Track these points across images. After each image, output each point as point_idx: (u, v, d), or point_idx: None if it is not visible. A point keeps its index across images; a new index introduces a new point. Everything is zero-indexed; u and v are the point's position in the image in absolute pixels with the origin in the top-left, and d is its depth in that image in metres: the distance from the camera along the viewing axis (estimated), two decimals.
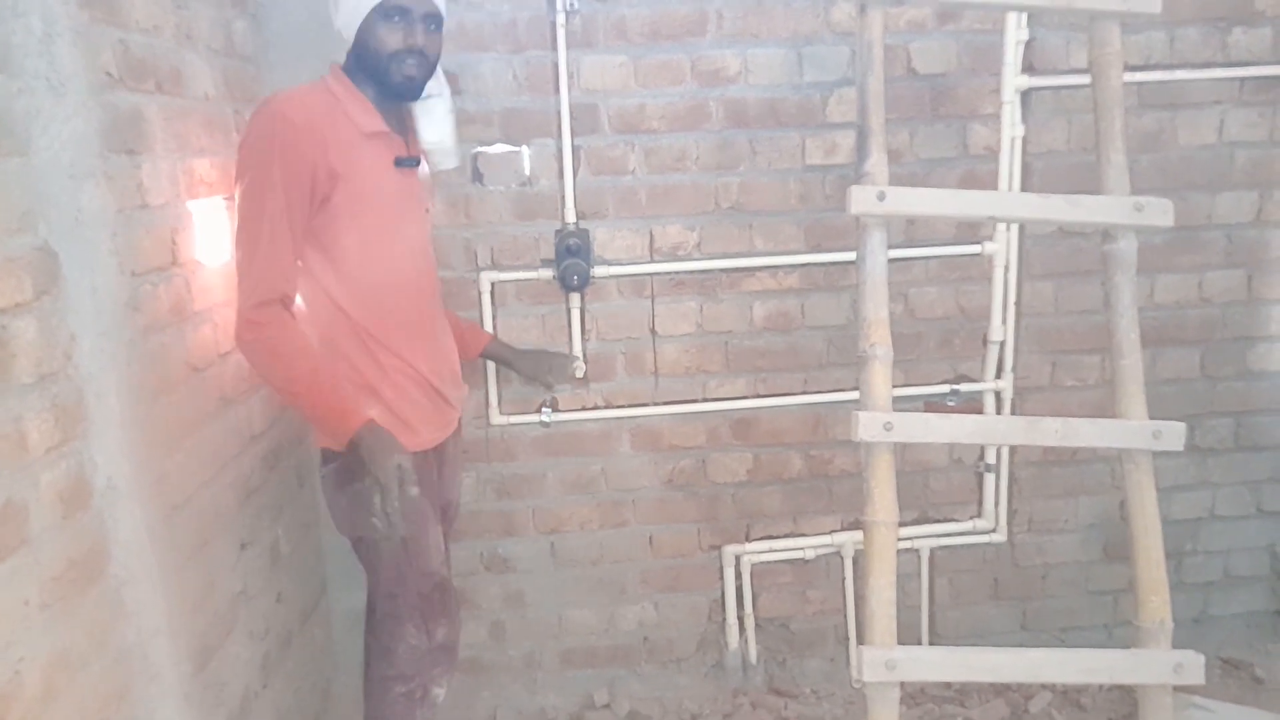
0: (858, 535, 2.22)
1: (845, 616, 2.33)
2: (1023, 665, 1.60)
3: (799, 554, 2.27)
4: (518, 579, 2.25)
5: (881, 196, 1.53)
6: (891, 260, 1.59)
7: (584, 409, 2.18)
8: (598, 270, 2.09)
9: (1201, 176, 2.19)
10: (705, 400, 2.20)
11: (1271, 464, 2.34)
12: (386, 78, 1.49)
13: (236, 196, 1.43)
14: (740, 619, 2.30)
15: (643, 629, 2.30)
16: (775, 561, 2.28)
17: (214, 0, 1.68)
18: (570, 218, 2.08)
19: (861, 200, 1.54)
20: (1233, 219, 2.22)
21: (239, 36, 1.81)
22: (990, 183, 2.14)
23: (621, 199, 2.09)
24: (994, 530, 2.30)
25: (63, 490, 1.11)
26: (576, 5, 1.98)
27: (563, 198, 2.07)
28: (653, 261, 2.13)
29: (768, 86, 2.07)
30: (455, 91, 1.98)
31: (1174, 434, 1.57)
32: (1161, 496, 1.62)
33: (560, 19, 1.98)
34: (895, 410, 1.55)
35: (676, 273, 2.14)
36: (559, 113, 2.02)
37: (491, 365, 2.10)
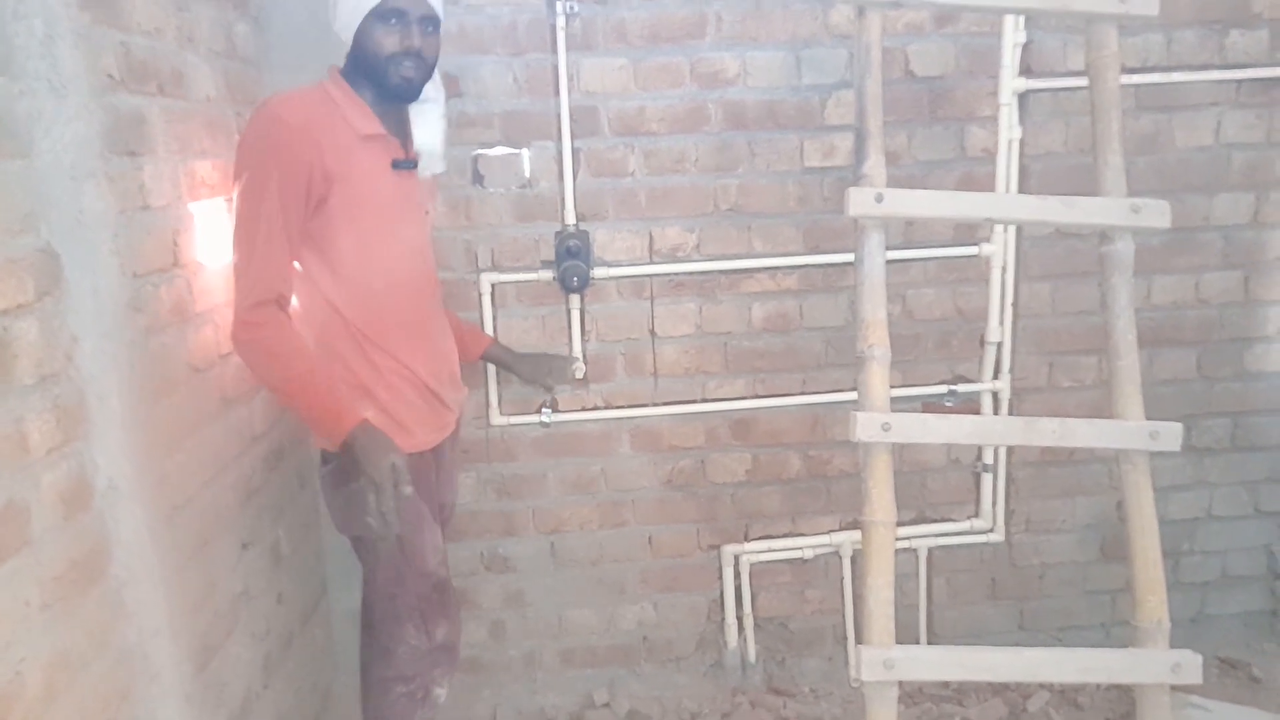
0: (856, 535, 2.23)
1: (843, 616, 2.33)
2: (1020, 665, 1.61)
3: (798, 554, 2.28)
4: (518, 579, 2.26)
5: (879, 198, 1.54)
6: (889, 262, 1.60)
7: (584, 409, 2.18)
8: (597, 272, 2.10)
9: (1198, 178, 2.20)
10: (704, 401, 2.21)
11: (1268, 464, 2.35)
12: (384, 80, 1.49)
13: (233, 198, 1.44)
14: (739, 618, 2.31)
15: (642, 628, 2.31)
16: (774, 561, 2.29)
17: (216, 2, 1.69)
18: (570, 219, 2.08)
19: (860, 202, 1.54)
20: (1229, 220, 2.22)
21: (240, 39, 1.81)
22: (988, 184, 2.15)
23: (621, 201, 2.10)
24: (991, 530, 2.31)
25: (64, 491, 1.11)
26: (576, 8, 1.99)
27: (563, 199, 2.07)
28: (652, 263, 2.13)
29: (766, 89, 2.08)
30: (455, 94, 2.00)
31: (1171, 434, 1.58)
32: (1159, 496, 1.63)
33: (560, 22, 1.99)
34: (893, 411, 1.55)
35: (676, 274, 2.14)
36: (559, 115, 2.03)
37: (492, 366, 2.11)
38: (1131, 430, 1.58)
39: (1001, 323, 2.21)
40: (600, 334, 2.16)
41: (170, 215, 1.44)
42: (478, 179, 2.06)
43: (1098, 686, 2.20)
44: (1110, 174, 1.60)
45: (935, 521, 2.32)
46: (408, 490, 1.42)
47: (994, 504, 2.30)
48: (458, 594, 2.20)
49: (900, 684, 1.55)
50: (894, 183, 1.60)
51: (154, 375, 1.34)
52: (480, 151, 2.05)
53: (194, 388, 1.49)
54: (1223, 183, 2.20)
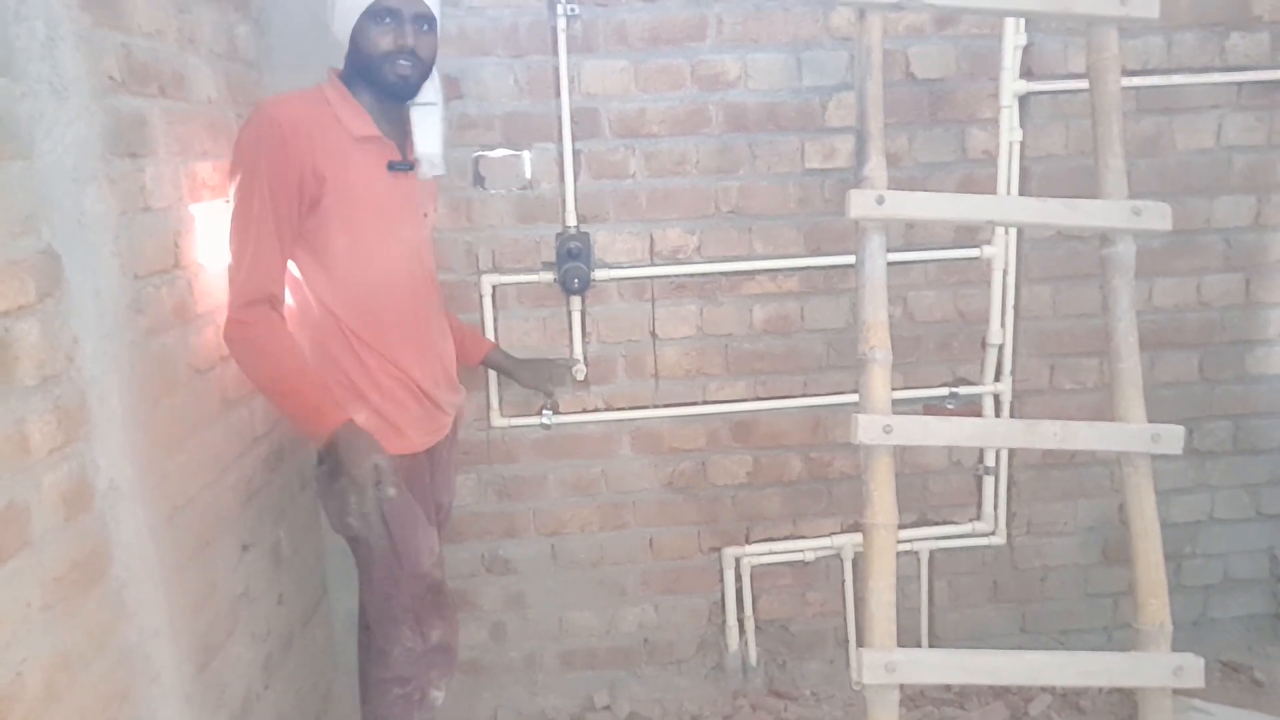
0: (857, 538, 2.23)
1: (845, 619, 2.33)
2: (1022, 668, 1.60)
3: (799, 556, 2.28)
4: (518, 580, 2.25)
5: (880, 200, 1.54)
6: (890, 264, 1.59)
7: (585, 411, 2.18)
8: (598, 273, 2.10)
9: (1199, 180, 2.20)
10: (705, 403, 2.21)
11: (1270, 467, 2.35)
12: (380, 78, 1.50)
13: (229, 198, 1.44)
14: (740, 621, 2.30)
15: (643, 631, 2.30)
16: (775, 564, 2.29)
17: (217, 4, 1.69)
18: (571, 221, 2.08)
19: (860, 204, 1.54)
20: (1230, 223, 2.22)
21: (241, 41, 1.82)
22: (989, 187, 2.15)
23: (622, 202, 2.10)
24: (993, 533, 2.31)
25: (65, 492, 1.11)
26: (577, 10, 1.99)
27: (563, 201, 2.07)
28: (653, 265, 2.13)
29: (767, 91, 2.08)
30: (456, 96, 2.00)
31: (1173, 437, 1.58)
32: (1160, 499, 1.63)
33: (561, 24, 1.99)
34: (894, 413, 1.55)
35: (677, 276, 2.14)
36: (560, 117, 2.03)
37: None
38: (1133, 433, 1.58)
39: (1003, 325, 2.21)
40: (601, 336, 2.16)
41: (171, 217, 1.44)
42: (479, 181, 2.06)
43: (1099, 690, 2.20)
44: (1111, 176, 1.60)
45: (937, 524, 2.31)
46: (390, 491, 1.42)
47: (995, 506, 2.29)
48: (457, 595, 2.21)
49: (902, 687, 1.55)
50: (895, 185, 1.60)
51: (155, 376, 1.34)
52: (481, 153, 2.05)
53: (195, 389, 1.49)
54: (1224, 185, 2.20)
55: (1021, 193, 2.15)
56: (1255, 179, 2.21)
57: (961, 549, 2.32)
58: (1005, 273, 2.19)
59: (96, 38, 1.23)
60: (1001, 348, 2.23)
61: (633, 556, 2.26)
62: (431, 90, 1.59)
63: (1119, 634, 2.37)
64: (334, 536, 1.70)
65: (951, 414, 2.22)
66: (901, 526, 1.62)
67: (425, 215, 1.67)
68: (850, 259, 2.10)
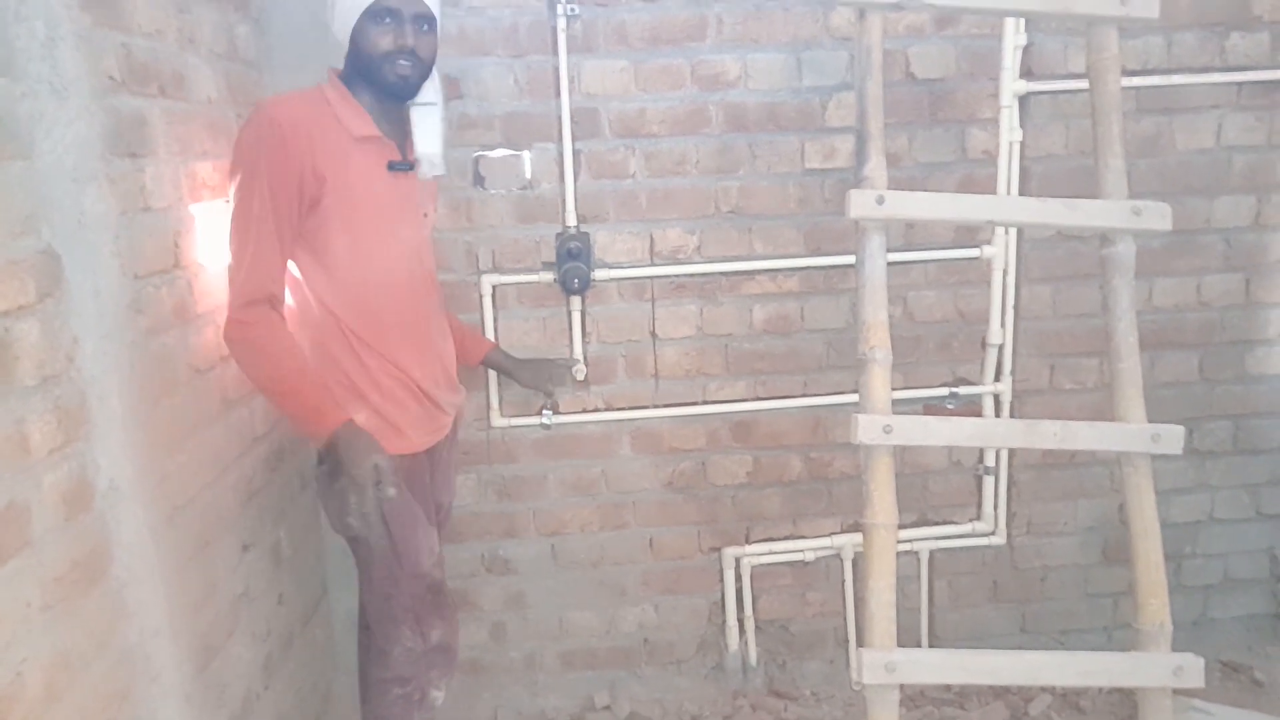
0: (857, 538, 2.23)
1: (845, 619, 2.33)
2: (1022, 668, 1.60)
3: (799, 556, 2.28)
4: (518, 580, 2.25)
5: (880, 200, 1.54)
6: (890, 264, 1.59)
7: (585, 411, 2.18)
8: (598, 273, 2.10)
9: (1199, 180, 2.20)
10: (705, 403, 2.21)
11: (1270, 467, 2.35)
12: (380, 78, 1.50)
13: (229, 198, 1.44)
14: (740, 621, 2.30)
15: (643, 631, 2.30)
16: (775, 564, 2.29)
17: (217, 4, 1.69)
18: (571, 221, 2.08)
19: (860, 204, 1.54)
20: (1231, 223, 2.22)
21: (242, 41, 1.82)
22: (989, 187, 2.15)
23: (622, 202, 2.10)
24: (993, 533, 2.31)
25: (65, 492, 1.11)
26: (577, 10, 1.99)
27: (563, 201, 2.08)
28: (653, 265, 2.13)
29: (767, 91, 2.08)
30: (456, 96, 2.00)
31: (1173, 437, 1.58)
32: (1160, 499, 1.63)
33: (561, 24, 1.99)
34: (894, 413, 1.55)
35: (677, 276, 2.14)
36: (560, 117, 2.03)
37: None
38: (1133, 433, 1.58)
39: (1003, 325, 2.21)
40: (601, 336, 2.16)
41: (171, 217, 1.44)
42: (479, 181, 2.07)
43: (1099, 690, 2.20)
44: (1111, 176, 1.61)
45: (937, 524, 2.31)
46: (390, 492, 1.42)
47: (995, 506, 2.29)
48: (457, 595, 2.21)
49: (902, 687, 1.55)
50: (895, 185, 1.60)
51: (155, 376, 1.34)
52: (481, 153, 2.05)
53: (195, 389, 1.49)
54: (1224, 185, 2.20)
55: (1021, 193, 2.15)
56: (1255, 179, 2.21)
57: (961, 549, 2.32)
58: (1005, 273, 2.19)
59: (96, 38, 1.23)
60: (1001, 348, 2.23)
61: (633, 556, 2.26)
62: (432, 90, 1.59)
63: (1119, 634, 2.37)
64: (334, 536, 1.70)
65: (951, 414, 2.22)
66: (901, 526, 1.62)
67: (425, 215, 1.67)
68: (850, 259, 2.10)
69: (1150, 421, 1.59)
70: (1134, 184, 1.63)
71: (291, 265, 1.51)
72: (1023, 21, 2.06)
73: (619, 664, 2.31)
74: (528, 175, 2.07)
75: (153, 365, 1.34)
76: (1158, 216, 1.59)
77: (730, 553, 2.26)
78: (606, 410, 2.19)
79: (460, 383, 1.78)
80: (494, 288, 2.10)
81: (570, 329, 2.14)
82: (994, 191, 2.14)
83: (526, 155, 2.06)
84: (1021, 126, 2.12)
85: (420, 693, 1.64)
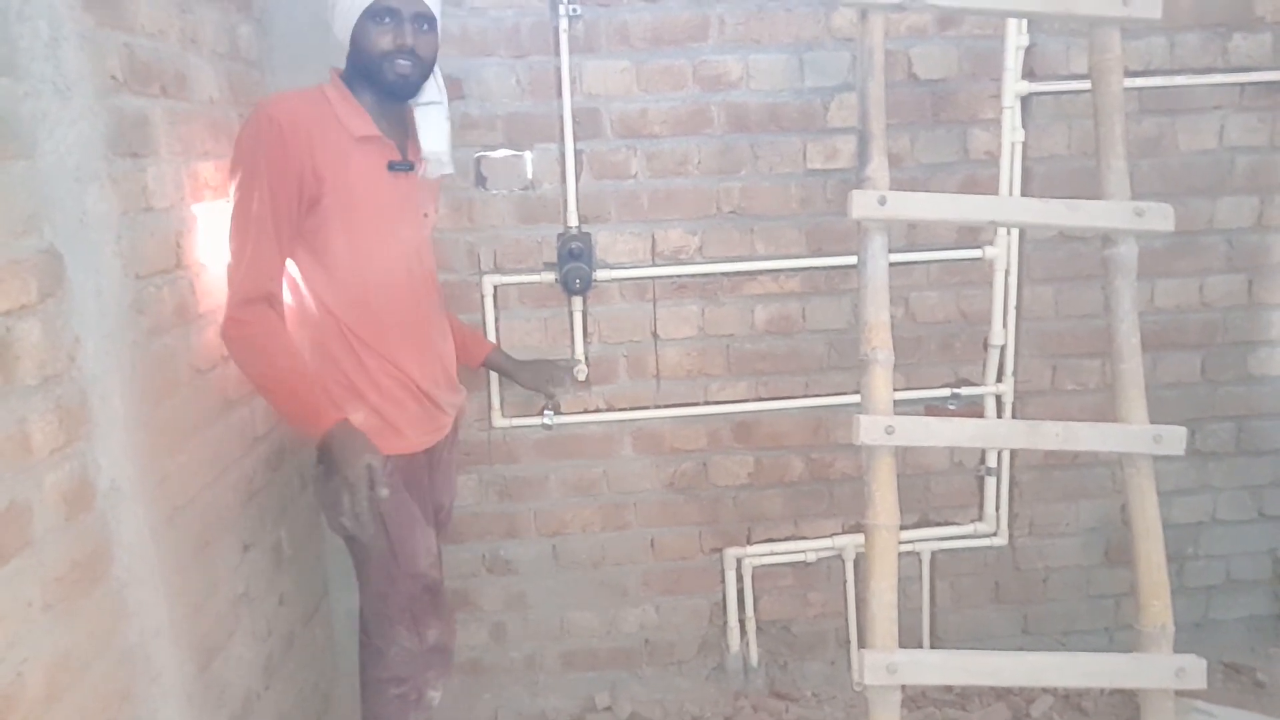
0: (859, 538, 2.22)
1: (846, 619, 2.33)
2: (1024, 669, 1.60)
3: (800, 557, 2.28)
4: (519, 581, 2.25)
5: (883, 201, 1.54)
6: (892, 264, 1.59)
7: (586, 412, 2.18)
8: (600, 274, 2.10)
9: (1202, 181, 2.19)
10: (707, 403, 2.21)
11: (1273, 468, 2.34)
12: (380, 78, 1.50)
13: (229, 197, 1.45)
14: (741, 622, 2.30)
15: (644, 631, 2.30)
16: (776, 564, 2.29)
17: (219, 5, 1.69)
18: (572, 221, 2.08)
19: (863, 205, 1.54)
20: (1233, 224, 2.22)
21: (244, 41, 1.82)
22: (991, 187, 2.15)
23: (623, 203, 2.10)
24: (995, 534, 2.30)
25: (66, 492, 1.11)
26: (579, 10, 1.99)
27: (565, 202, 2.07)
28: (654, 265, 2.13)
29: (769, 91, 2.08)
30: (458, 96, 2.00)
31: (1175, 438, 1.57)
32: (1162, 500, 1.63)
33: (563, 24, 1.99)
34: (896, 414, 1.55)
35: (678, 276, 2.14)
36: (561, 117, 2.03)
37: None
38: (1135, 434, 1.58)
39: (1005, 326, 2.21)
40: (602, 336, 2.16)
41: (173, 217, 1.44)
42: (480, 181, 2.07)
43: (1101, 691, 2.19)
44: (1113, 177, 1.60)
45: (938, 525, 2.31)
46: (384, 492, 1.42)
47: (997, 507, 2.29)
48: (458, 596, 2.21)
49: (903, 688, 1.55)
50: (896, 185, 1.60)
51: (156, 376, 1.34)
52: (483, 153, 2.05)
53: (196, 389, 1.49)
54: (1226, 186, 2.20)
55: (1024, 193, 2.15)
56: (1258, 180, 2.20)
57: (963, 550, 2.32)
58: (1007, 273, 2.19)
59: (99, 38, 1.23)
60: (1003, 348, 2.22)
61: (634, 557, 2.26)
62: (435, 89, 1.59)
63: (1121, 635, 2.36)
64: (335, 536, 1.70)
65: (953, 415, 2.22)
66: (903, 527, 1.62)
67: (426, 215, 1.67)
68: (852, 259, 2.09)
69: (1152, 422, 1.58)
70: (1136, 185, 1.63)
71: (291, 265, 1.51)
72: (1025, 22, 2.06)
73: (620, 664, 2.31)
74: (529, 175, 2.07)
75: (154, 365, 1.34)
76: (1160, 217, 1.59)
77: (731, 553, 2.26)
78: (608, 411, 2.19)
79: (461, 383, 1.78)
80: (495, 288, 2.10)
81: (572, 329, 2.14)
82: (996, 192, 2.14)
83: (528, 155, 2.06)
84: (1024, 127, 2.12)
85: (417, 693, 1.64)
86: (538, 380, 2.03)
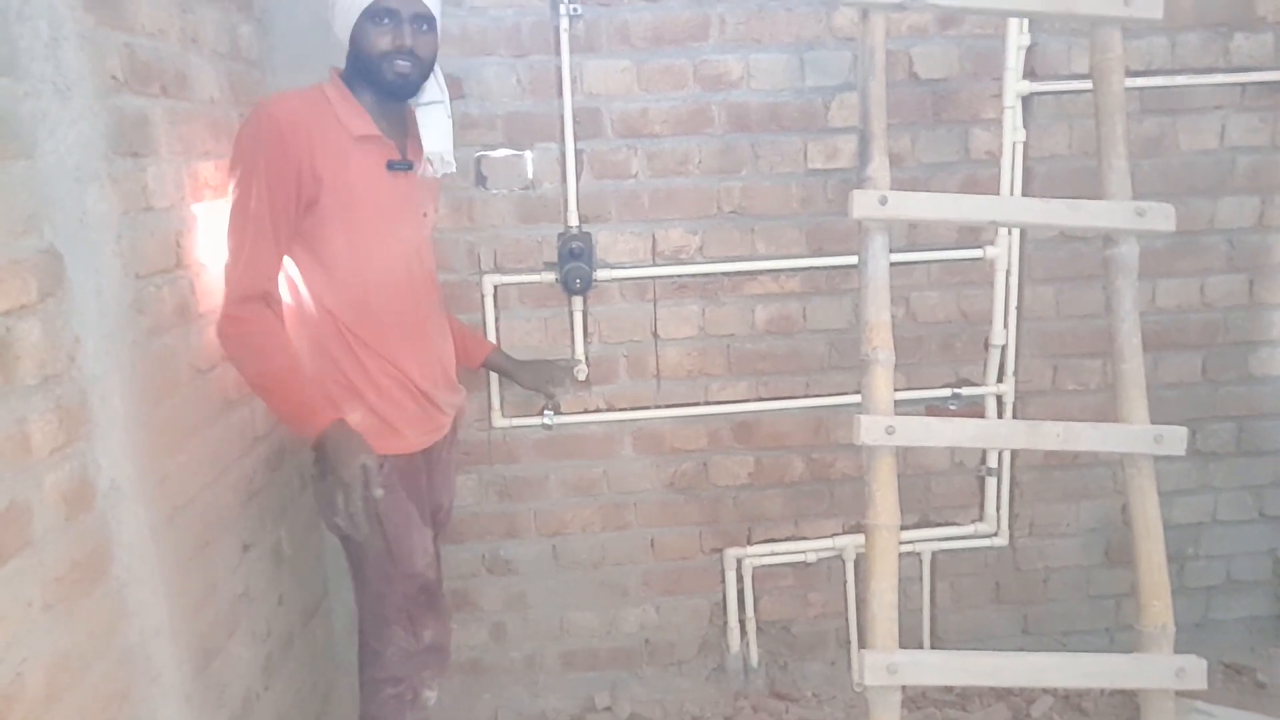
0: (859, 539, 2.22)
1: (847, 620, 2.33)
2: (1024, 669, 1.60)
3: (800, 557, 2.27)
4: (519, 581, 2.25)
5: (883, 201, 1.54)
6: (893, 264, 1.59)
7: (586, 412, 2.18)
8: (600, 273, 2.09)
9: (1203, 181, 2.19)
10: (707, 403, 2.21)
11: (1273, 469, 2.34)
12: (379, 78, 1.50)
13: (228, 195, 1.45)
14: (741, 622, 2.30)
15: (644, 631, 2.30)
16: (777, 565, 2.29)
17: (219, 4, 1.69)
18: (573, 221, 2.08)
19: (863, 204, 1.54)
20: (1234, 224, 2.22)
21: (244, 41, 1.82)
22: (992, 187, 2.15)
23: (624, 203, 2.10)
24: (995, 534, 2.30)
25: (66, 491, 1.11)
26: (579, 10, 1.99)
27: (565, 201, 2.07)
28: (655, 265, 2.13)
29: (770, 91, 2.07)
30: (459, 96, 2.00)
31: (1176, 438, 1.57)
32: (1163, 501, 1.62)
33: (563, 24, 1.99)
34: (897, 414, 1.55)
35: (678, 276, 2.14)
36: (562, 117, 2.03)
37: None
38: (1136, 434, 1.58)
39: (1005, 326, 2.21)
40: (603, 336, 2.16)
41: (173, 216, 1.44)
42: (481, 180, 2.06)
43: (1102, 691, 2.19)
44: (1115, 177, 1.60)
45: (939, 525, 2.31)
46: (378, 493, 1.42)
47: (998, 508, 2.29)
48: (458, 596, 2.21)
49: (904, 689, 1.55)
50: (897, 185, 1.60)
51: (156, 376, 1.34)
52: (483, 153, 2.05)
53: (196, 388, 1.49)
54: (1227, 186, 2.20)
55: (1025, 193, 2.14)
56: (1259, 180, 2.20)
57: (964, 550, 2.32)
58: (1008, 273, 2.19)
59: (100, 37, 1.23)
60: (1004, 348, 2.22)
61: (634, 557, 2.26)
62: (436, 88, 1.59)
63: (1121, 635, 2.36)
64: (334, 536, 1.70)
65: (954, 415, 2.22)
66: (903, 528, 1.62)
67: (425, 215, 1.67)
68: (853, 259, 2.09)
69: (1153, 423, 1.58)
70: (1137, 185, 1.63)
71: (290, 264, 1.51)
72: (1026, 22, 2.06)
73: (620, 665, 2.31)
74: (530, 175, 2.07)
75: (154, 365, 1.34)
76: (1161, 217, 1.59)
77: (732, 553, 2.26)
78: (608, 410, 2.19)
79: (461, 384, 1.78)
80: (496, 288, 2.10)
81: (572, 329, 2.13)
82: (997, 192, 2.14)
83: (529, 155, 2.06)
84: (1025, 127, 2.12)
85: (413, 693, 1.64)
86: (538, 380, 2.03)
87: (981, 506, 2.30)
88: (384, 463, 1.51)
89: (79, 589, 1.13)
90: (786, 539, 2.29)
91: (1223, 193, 2.20)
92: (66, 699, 1.09)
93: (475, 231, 2.08)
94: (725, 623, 2.30)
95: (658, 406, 2.19)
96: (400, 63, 1.48)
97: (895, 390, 1.57)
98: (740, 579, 2.28)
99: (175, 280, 1.43)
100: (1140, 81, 2.10)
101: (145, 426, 1.29)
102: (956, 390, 2.23)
